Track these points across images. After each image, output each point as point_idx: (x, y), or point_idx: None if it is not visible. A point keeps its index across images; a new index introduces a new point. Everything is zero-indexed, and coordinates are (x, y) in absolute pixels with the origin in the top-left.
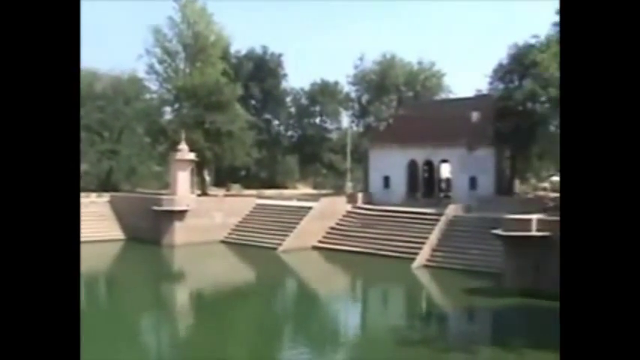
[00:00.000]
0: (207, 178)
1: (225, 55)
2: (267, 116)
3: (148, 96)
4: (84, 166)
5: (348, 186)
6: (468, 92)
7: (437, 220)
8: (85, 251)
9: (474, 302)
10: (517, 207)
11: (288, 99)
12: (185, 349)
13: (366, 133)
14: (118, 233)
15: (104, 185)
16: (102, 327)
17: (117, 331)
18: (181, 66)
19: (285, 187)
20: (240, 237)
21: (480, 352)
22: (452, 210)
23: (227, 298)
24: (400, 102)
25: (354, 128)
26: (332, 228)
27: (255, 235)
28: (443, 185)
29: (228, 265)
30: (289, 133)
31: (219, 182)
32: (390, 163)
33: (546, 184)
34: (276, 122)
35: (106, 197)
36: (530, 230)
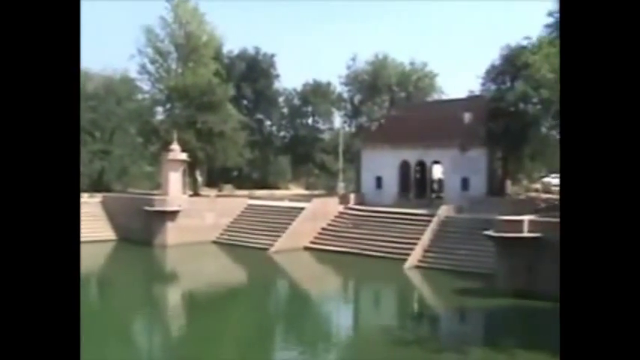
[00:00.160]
0: (199, 178)
1: (217, 56)
2: (260, 116)
3: (140, 96)
4: None
5: (340, 186)
6: (461, 93)
7: (429, 220)
8: None
9: (465, 303)
10: (509, 208)
11: (281, 99)
12: (177, 349)
13: (358, 133)
14: (109, 234)
15: (96, 185)
16: (93, 328)
17: (108, 332)
18: (173, 66)
19: (278, 188)
20: (232, 237)
21: (471, 353)
22: (444, 211)
23: (219, 298)
24: (392, 102)
25: (347, 129)
26: (324, 229)
27: (247, 235)
28: (435, 186)
29: (220, 265)
30: (281, 133)
31: (211, 183)
32: (382, 164)
33: (538, 185)
34: (268, 122)
35: (97, 197)
36: (522, 231)
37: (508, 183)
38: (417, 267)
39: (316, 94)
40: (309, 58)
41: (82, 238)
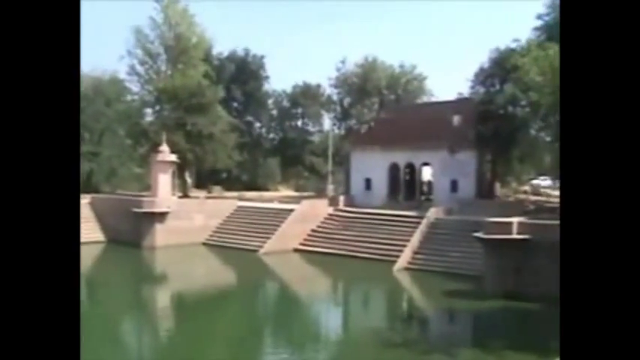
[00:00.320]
0: (189, 180)
1: (207, 57)
2: (249, 118)
3: (129, 97)
4: None
5: (330, 188)
6: (450, 96)
7: (418, 222)
8: None
9: (454, 304)
10: (498, 210)
11: (270, 101)
12: (166, 351)
13: (347, 135)
14: (98, 235)
15: (84, 187)
16: (82, 330)
17: (96, 334)
18: (163, 67)
19: (267, 190)
20: (222, 239)
21: (460, 354)
22: (433, 213)
23: (208, 300)
24: (382, 105)
25: (336, 131)
26: (313, 230)
27: (237, 237)
28: (424, 188)
29: (209, 267)
30: (271, 135)
31: (200, 184)
32: (372, 166)
33: (527, 188)
34: (257, 124)
35: (86, 199)
36: (510, 233)
37: (497, 185)
38: (407, 269)
39: (306, 96)
40: (299, 60)
41: None
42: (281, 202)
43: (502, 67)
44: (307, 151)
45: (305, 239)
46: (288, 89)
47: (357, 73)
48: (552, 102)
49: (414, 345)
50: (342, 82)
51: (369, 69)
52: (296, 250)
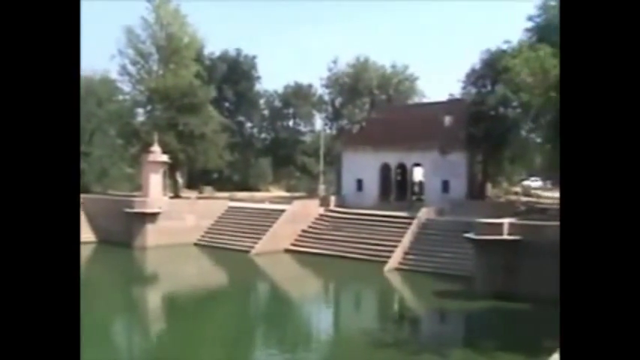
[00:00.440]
0: (180, 180)
1: (198, 57)
2: (241, 119)
3: (120, 97)
4: None
5: (321, 189)
6: (441, 96)
7: (409, 223)
8: None
9: (445, 305)
10: (489, 211)
11: (262, 101)
12: (155, 352)
13: (339, 136)
14: (89, 235)
15: None
16: None
17: (86, 335)
18: (154, 67)
19: (258, 190)
20: (213, 239)
21: (451, 354)
22: (424, 213)
23: (199, 301)
24: (373, 105)
25: (328, 131)
26: (304, 231)
27: (228, 237)
28: (415, 188)
29: (200, 267)
30: (262, 135)
31: (191, 185)
32: (363, 166)
33: (518, 188)
34: (249, 125)
35: None
36: (501, 234)
37: (488, 186)
38: (398, 269)
39: (297, 96)
40: (291, 60)
41: None
42: (272, 202)
43: (493, 68)
44: (299, 152)
45: (296, 240)
46: (280, 89)
47: (349, 73)
48: (543, 103)
49: (404, 345)
50: (334, 82)
51: (360, 69)
52: (287, 251)
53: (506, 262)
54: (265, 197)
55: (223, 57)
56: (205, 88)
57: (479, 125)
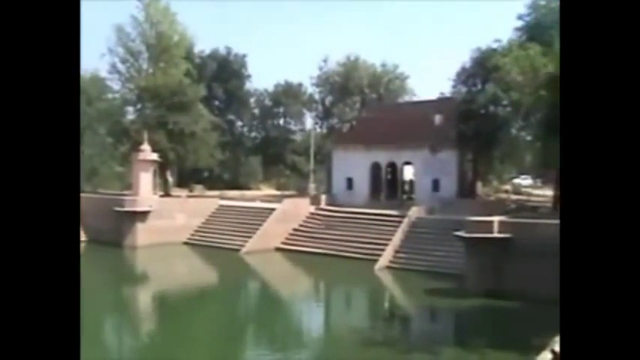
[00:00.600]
0: (170, 179)
1: (188, 56)
2: (231, 117)
3: (110, 96)
4: None
5: (312, 187)
6: (431, 95)
7: (400, 221)
8: None
9: (436, 303)
10: (479, 209)
11: (252, 100)
12: (145, 351)
13: (329, 134)
14: None
15: None
16: None
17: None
18: (144, 66)
19: (249, 189)
20: (203, 238)
21: (442, 353)
22: (414, 212)
23: (189, 300)
24: (364, 104)
25: (318, 130)
26: (295, 229)
27: (218, 236)
28: (406, 187)
29: (190, 266)
30: (253, 134)
31: (182, 183)
32: (354, 165)
33: (508, 187)
34: (239, 123)
35: None
36: (491, 232)
37: (478, 184)
38: (388, 268)
39: (287, 95)
40: (281, 58)
41: None
42: (263, 201)
43: (483, 67)
44: (289, 150)
45: (287, 238)
46: (270, 88)
47: (339, 71)
48: (533, 101)
49: (395, 343)
50: (324, 81)
51: (351, 68)
52: (278, 249)
53: (497, 260)
54: (256, 196)
55: (213, 55)
56: (195, 87)
57: (469, 124)
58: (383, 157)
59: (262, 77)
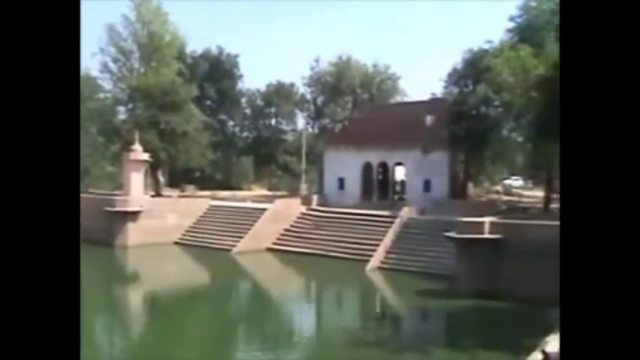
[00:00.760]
0: (162, 178)
1: (180, 55)
2: (223, 117)
3: (101, 95)
4: None
5: (303, 188)
6: (423, 96)
7: (391, 222)
8: None
9: (427, 304)
10: (470, 210)
11: (244, 100)
12: (135, 351)
13: (321, 134)
14: None
15: None
16: None
17: None
18: (136, 65)
19: (240, 189)
20: (195, 238)
21: (433, 353)
22: (406, 212)
23: (180, 300)
24: (355, 104)
25: (310, 130)
26: (286, 230)
27: (210, 236)
28: (397, 188)
29: (181, 266)
30: (244, 134)
31: (173, 183)
32: (345, 165)
33: (499, 188)
34: (231, 123)
35: None
36: (482, 233)
37: (470, 185)
38: (380, 268)
39: (279, 95)
40: (273, 59)
41: None
42: (254, 201)
43: (475, 68)
44: (281, 150)
45: (278, 238)
46: (262, 88)
47: (331, 72)
48: (524, 103)
49: (387, 344)
50: (316, 81)
51: (342, 68)
52: (269, 250)
53: (488, 260)
54: (247, 196)
55: (205, 55)
56: (187, 87)
57: (460, 124)
58: (374, 157)
59: (254, 77)
